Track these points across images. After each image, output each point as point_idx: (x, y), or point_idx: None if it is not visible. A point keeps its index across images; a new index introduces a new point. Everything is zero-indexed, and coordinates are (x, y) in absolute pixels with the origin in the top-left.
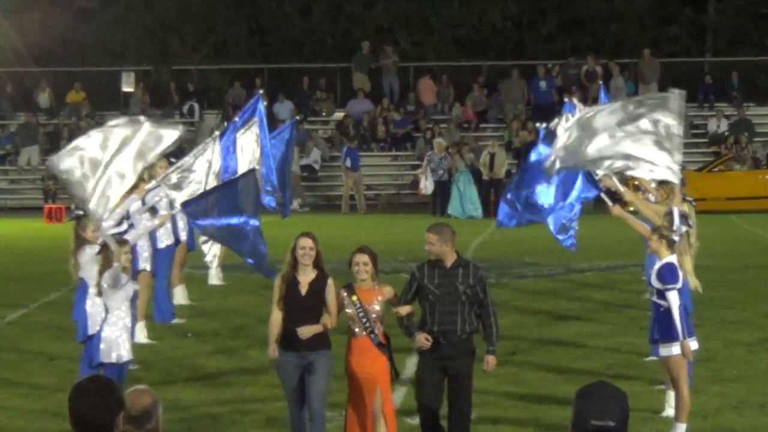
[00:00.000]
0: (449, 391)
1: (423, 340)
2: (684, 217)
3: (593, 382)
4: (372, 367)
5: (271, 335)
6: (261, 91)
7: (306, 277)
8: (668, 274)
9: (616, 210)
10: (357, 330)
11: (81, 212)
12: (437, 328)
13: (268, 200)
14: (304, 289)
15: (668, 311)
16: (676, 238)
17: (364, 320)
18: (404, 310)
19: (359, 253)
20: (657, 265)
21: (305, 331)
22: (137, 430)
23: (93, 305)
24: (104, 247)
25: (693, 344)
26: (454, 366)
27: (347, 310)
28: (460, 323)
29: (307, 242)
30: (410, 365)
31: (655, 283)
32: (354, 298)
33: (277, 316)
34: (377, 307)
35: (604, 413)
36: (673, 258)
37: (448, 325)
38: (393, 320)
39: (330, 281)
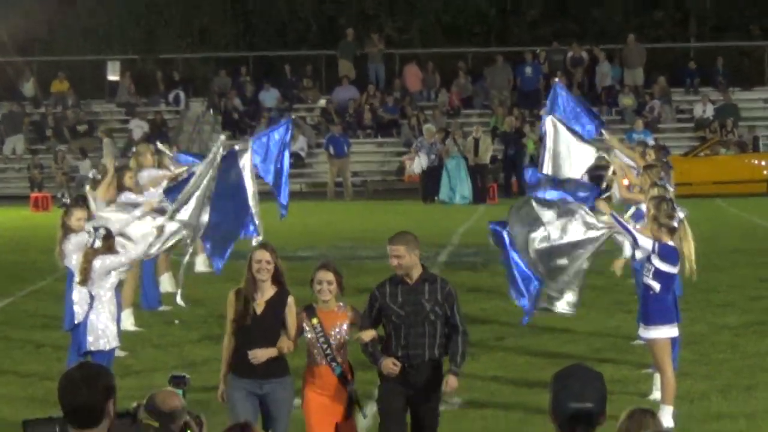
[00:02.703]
0: (412, 427)
1: (390, 365)
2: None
3: (568, 366)
4: (332, 400)
5: (223, 365)
6: (293, 116)
7: (263, 294)
8: (672, 255)
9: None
10: (317, 357)
11: (68, 200)
12: (402, 353)
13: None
14: (260, 308)
15: (658, 295)
16: (675, 224)
17: (325, 347)
18: (367, 335)
19: (323, 270)
20: (657, 245)
21: (259, 355)
22: (161, 428)
23: (78, 294)
24: (107, 237)
25: (674, 331)
26: (418, 399)
27: (307, 335)
28: (428, 346)
29: (263, 255)
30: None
31: (657, 262)
32: (314, 321)
33: (230, 340)
34: (341, 333)
35: (582, 395)
36: (672, 243)
37: (415, 349)
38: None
39: (290, 300)
